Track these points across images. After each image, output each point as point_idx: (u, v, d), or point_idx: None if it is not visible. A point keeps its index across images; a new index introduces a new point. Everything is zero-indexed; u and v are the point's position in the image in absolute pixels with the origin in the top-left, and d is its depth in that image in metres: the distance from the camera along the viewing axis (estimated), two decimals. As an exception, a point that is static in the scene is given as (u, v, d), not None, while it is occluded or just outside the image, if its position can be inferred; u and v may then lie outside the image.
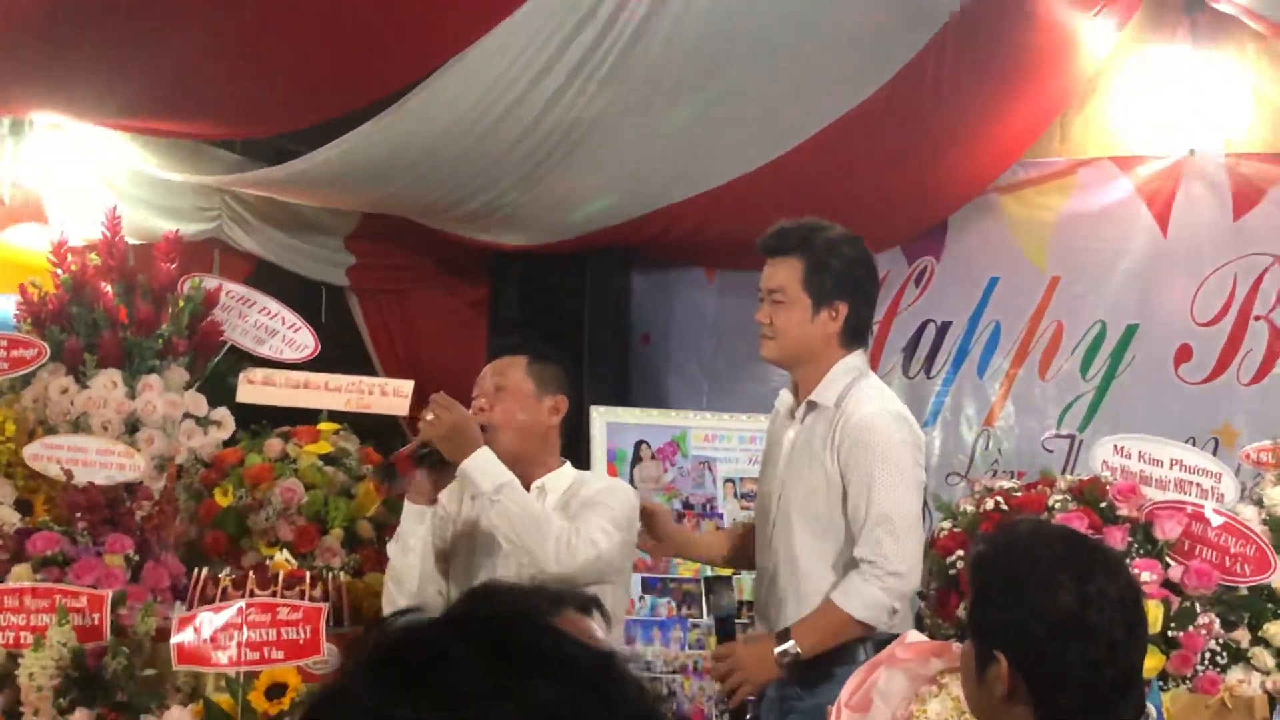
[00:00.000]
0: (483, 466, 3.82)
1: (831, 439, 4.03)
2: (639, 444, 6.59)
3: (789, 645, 3.98)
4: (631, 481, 6.53)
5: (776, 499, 4.13)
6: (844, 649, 3.99)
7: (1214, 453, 6.16)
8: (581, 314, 7.28)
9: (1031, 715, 2.47)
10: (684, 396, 7.46)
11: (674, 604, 6.17)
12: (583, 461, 6.38)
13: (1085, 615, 2.43)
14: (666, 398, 7.51)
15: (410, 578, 3.94)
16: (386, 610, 4.07)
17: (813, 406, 4.10)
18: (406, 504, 4.01)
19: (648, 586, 5.99)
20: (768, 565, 4.14)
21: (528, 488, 3.94)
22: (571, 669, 1.14)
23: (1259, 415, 6.27)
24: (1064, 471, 6.19)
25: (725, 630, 4.11)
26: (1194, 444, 6.28)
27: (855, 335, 4.16)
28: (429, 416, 3.90)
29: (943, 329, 6.95)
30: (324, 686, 1.18)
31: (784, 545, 4.09)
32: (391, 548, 4.03)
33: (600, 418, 6.57)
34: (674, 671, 6.29)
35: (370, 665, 1.14)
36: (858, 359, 4.16)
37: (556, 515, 3.86)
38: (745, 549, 4.38)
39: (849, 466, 4.01)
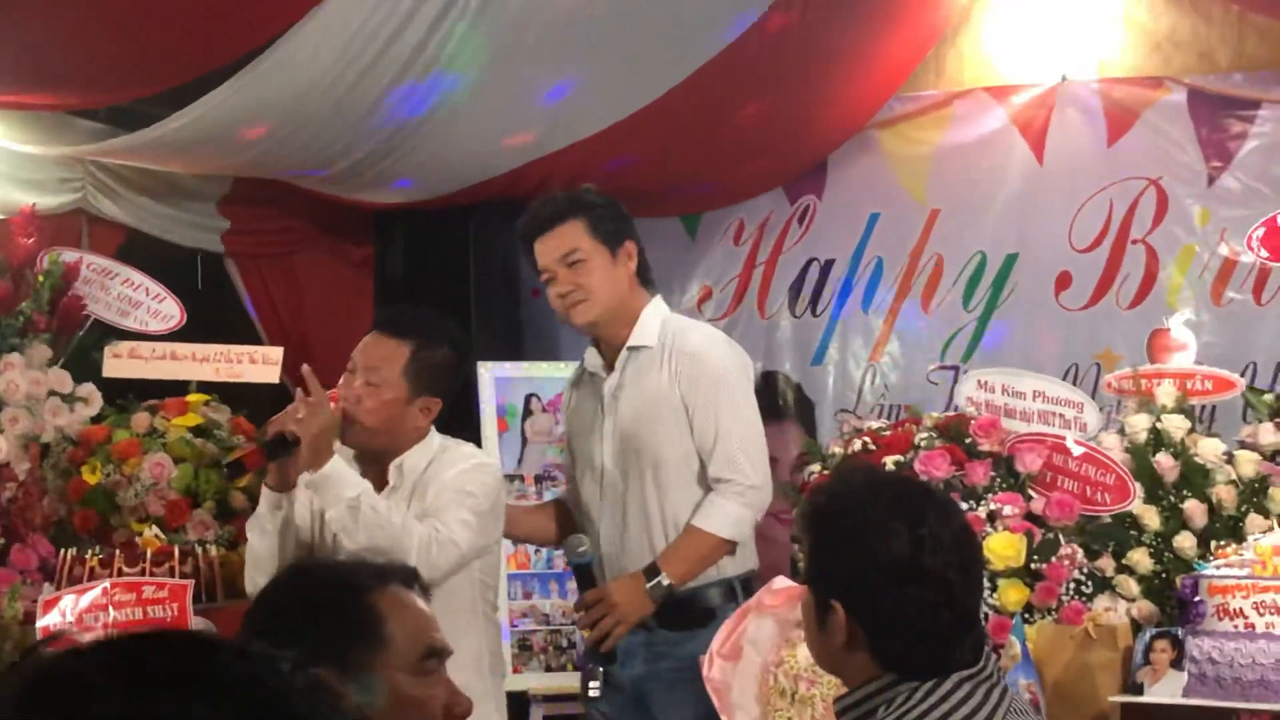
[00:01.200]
0: (344, 476, 3.73)
1: (669, 371, 4.07)
2: (529, 397, 6.56)
3: (660, 578, 4.00)
4: (523, 435, 6.50)
5: (613, 452, 4.12)
6: (708, 594, 4.02)
7: (1096, 378, 6.21)
8: (468, 270, 7.22)
9: (871, 662, 2.47)
10: (577, 348, 7.40)
11: (570, 556, 6.16)
12: (472, 418, 6.35)
13: (919, 559, 2.42)
14: (559, 350, 7.46)
15: (268, 559, 3.87)
16: (248, 588, 4.01)
17: (635, 350, 4.12)
18: (264, 489, 3.90)
19: (543, 539, 5.94)
20: (616, 520, 4.13)
21: (385, 469, 3.88)
22: (227, 686, 1.11)
23: (1140, 339, 6.31)
24: (948, 404, 6.25)
25: (585, 578, 4.10)
26: (1077, 370, 6.36)
27: (646, 275, 4.21)
28: (300, 414, 3.74)
29: (826, 267, 6.94)
30: None
31: (638, 490, 4.08)
32: (250, 529, 3.96)
33: (488, 373, 6.53)
34: (573, 623, 6.30)
35: (15, 705, 1.10)
36: (661, 301, 4.24)
37: (414, 520, 3.76)
38: (567, 526, 4.37)
39: (692, 392, 4.06)
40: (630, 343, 4.12)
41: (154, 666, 1.11)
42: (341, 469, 3.72)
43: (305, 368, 3.99)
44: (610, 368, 4.16)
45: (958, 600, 2.44)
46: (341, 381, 3.95)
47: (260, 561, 3.89)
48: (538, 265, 4.16)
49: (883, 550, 2.42)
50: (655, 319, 4.15)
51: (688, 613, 4.03)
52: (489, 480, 3.93)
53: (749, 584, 4.11)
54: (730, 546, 4.04)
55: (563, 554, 4.39)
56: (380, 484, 3.90)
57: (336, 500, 3.68)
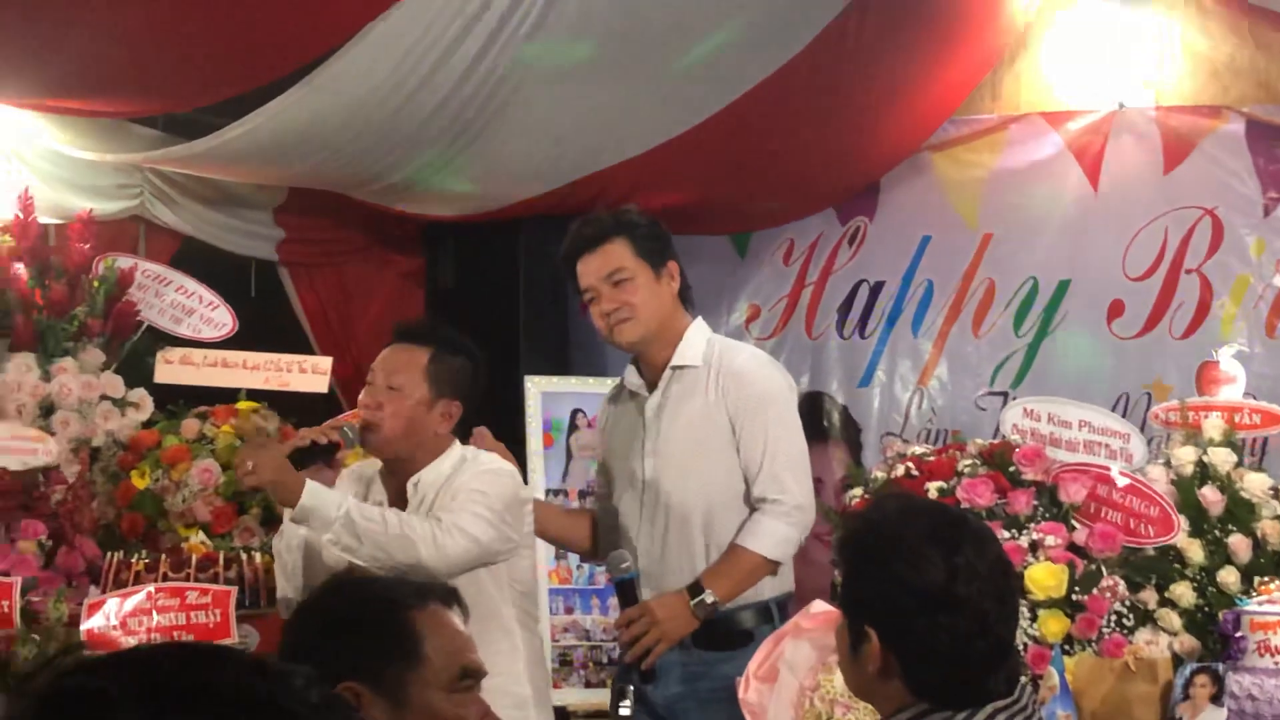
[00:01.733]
0: (323, 499, 3.68)
1: (715, 390, 4.07)
2: (575, 412, 6.58)
3: (705, 595, 4.00)
4: (568, 450, 6.52)
5: (656, 470, 4.12)
6: (745, 615, 4.02)
7: (1146, 407, 6.17)
8: (517, 283, 7.25)
9: (905, 690, 2.46)
10: (622, 364, 7.42)
11: (613, 572, 6.16)
12: (518, 431, 6.38)
13: (953, 588, 2.41)
14: (606, 366, 7.48)
15: (297, 573, 3.88)
16: (278, 597, 4.03)
17: (679, 369, 4.12)
18: None
19: (586, 554, 5.96)
20: (657, 537, 4.13)
21: (403, 485, 3.89)
22: (238, 700, 1.12)
23: (1191, 369, 6.24)
24: (996, 429, 6.23)
25: (628, 594, 4.10)
26: (1127, 399, 6.32)
27: (687, 296, 4.22)
28: (249, 465, 3.73)
29: (876, 289, 6.93)
30: None
31: (681, 508, 4.08)
32: (276, 543, 3.97)
33: (535, 387, 6.56)
34: (614, 640, 6.31)
35: (33, 718, 1.13)
36: (703, 322, 4.24)
37: (415, 517, 3.75)
38: (598, 540, 4.38)
39: (739, 411, 4.06)
40: (674, 362, 4.12)
41: (167, 680, 1.14)
42: (319, 495, 3.68)
43: (230, 426, 4.01)
44: (651, 386, 4.17)
45: (992, 629, 2.44)
46: (363, 394, 3.97)
47: (289, 574, 3.91)
48: (580, 285, 4.16)
49: (917, 578, 2.42)
50: (699, 339, 4.16)
51: (724, 633, 4.03)
52: (503, 481, 3.89)
53: (785, 606, 4.11)
54: (774, 566, 4.05)
55: (605, 569, 4.38)
56: (403, 499, 3.91)
57: (326, 524, 3.66)
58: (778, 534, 4.01)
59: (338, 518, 3.64)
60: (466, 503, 3.76)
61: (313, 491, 3.67)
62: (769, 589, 4.09)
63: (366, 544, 3.63)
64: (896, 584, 2.43)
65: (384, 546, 3.61)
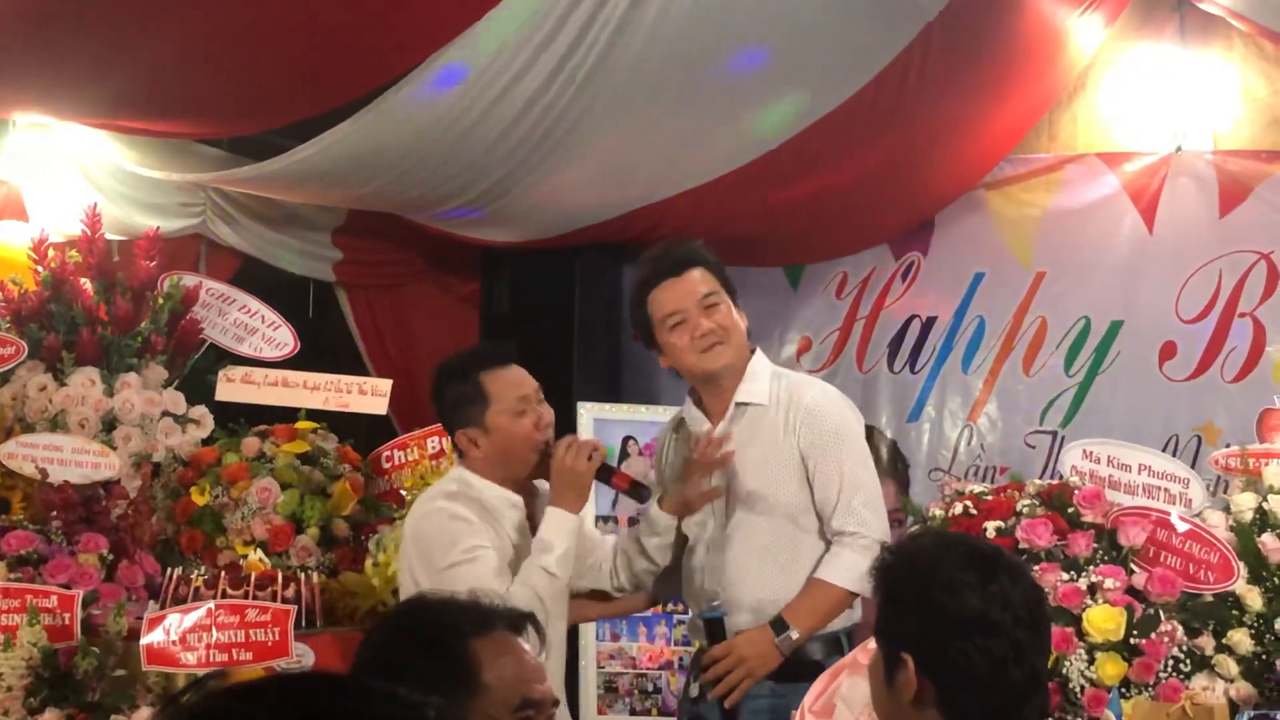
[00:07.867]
0: (567, 527, 3.89)
1: (785, 427, 4.06)
2: (626, 439, 6.61)
3: (790, 631, 4.00)
4: (618, 477, 6.55)
5: (722, 506, 4.12)
6: (812, 648, 4.04)
7: (1196, 450, 6.17)
8: (572, 310, 7.29)
9: (940, 719, 2.48)
10: (674, 393, 7.45)
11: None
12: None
13: (988, 614, 2.43)
14: (657, 394, 7.50)
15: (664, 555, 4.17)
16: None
17: (742, 407, 4.10)
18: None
19: (633, 582, 5.98)
20: (715, 567, 4.14)
21: (538, 491, 4.04)
22: None
23: (1242, 413, 6.23)
24: (1044, 468, 6.24)
25: (715, 632, 4.08)
26: (1177, 441, 6.32)
27: (749, 331, 4.22)
28: (572, 453, 3.92)
29: (928, 324, 6.95)
30: None
31: (746, 543, 4.09)
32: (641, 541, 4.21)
33: (588, 413, 6.59)
34: (660, 668, 6.32)
35: None
36: (764, 356, 4.22)
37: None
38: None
39: (814, 447, 4.05)
40: (739, 398, 4.09)
41: (313, 709, 1.16)
42: (573, 525, 3.90)
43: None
44: (714, 418, 4.16)
45: (1026, 658, 2.46)
46: (531, 420, 4.01)
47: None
48: (666, 310, 4.06)
49: (953, 603, 2.43)
50: (764, 373, 4.14)
51: (794, 666, 4.02)
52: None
53: (853, 637, 4.11)
54: (854, 600, 4.05)
55: (691, 604, 4.37)
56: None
57: (547, 553, 3.86)
58: (859, 567, 3.94)
59: (558, 552, 3.86)
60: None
61: (573, 519, 3.91)
62: (838, 621, 4.08)
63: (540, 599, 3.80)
64: (933, 610, 2.44)
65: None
